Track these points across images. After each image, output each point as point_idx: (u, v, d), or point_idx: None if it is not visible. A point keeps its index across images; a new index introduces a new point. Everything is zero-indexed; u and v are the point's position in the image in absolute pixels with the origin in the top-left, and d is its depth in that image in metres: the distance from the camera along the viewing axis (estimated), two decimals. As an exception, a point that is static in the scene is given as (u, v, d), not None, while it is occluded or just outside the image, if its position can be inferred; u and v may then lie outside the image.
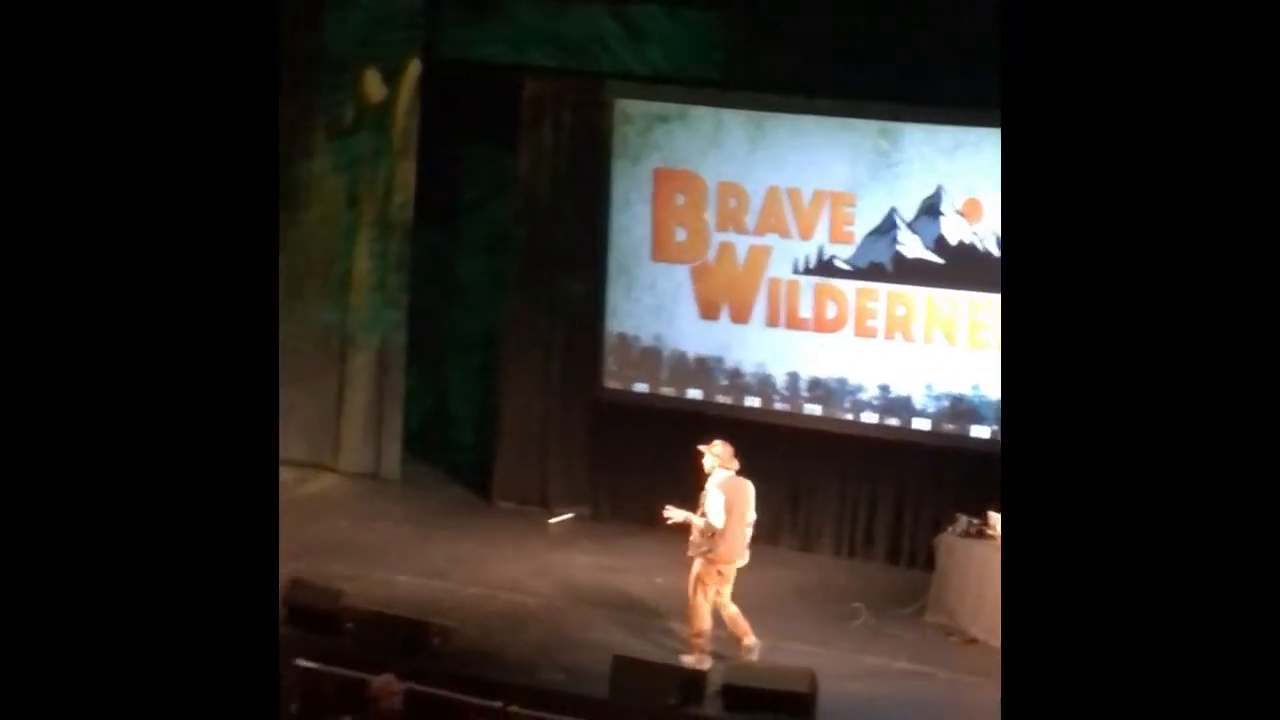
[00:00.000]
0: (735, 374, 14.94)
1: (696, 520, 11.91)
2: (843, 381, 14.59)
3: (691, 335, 15.05)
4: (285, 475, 15.96)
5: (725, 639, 12.10)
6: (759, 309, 14.81)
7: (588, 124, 15.28)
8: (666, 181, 15.03)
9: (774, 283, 14.75)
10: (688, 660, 11.93)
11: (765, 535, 14.90)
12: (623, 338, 15.25)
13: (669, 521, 12.08)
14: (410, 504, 15.70)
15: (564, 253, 15.46)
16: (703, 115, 14.89)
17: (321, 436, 16.36)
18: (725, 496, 11.92)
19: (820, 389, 14.70)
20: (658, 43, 14.99)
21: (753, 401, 14.91)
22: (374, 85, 15.97)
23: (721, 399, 14.98)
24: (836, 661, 12.04)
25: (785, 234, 14.69)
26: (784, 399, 14.81)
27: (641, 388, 15.25)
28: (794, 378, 14.78)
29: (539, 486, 15.52)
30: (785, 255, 14.69)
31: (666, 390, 15.17)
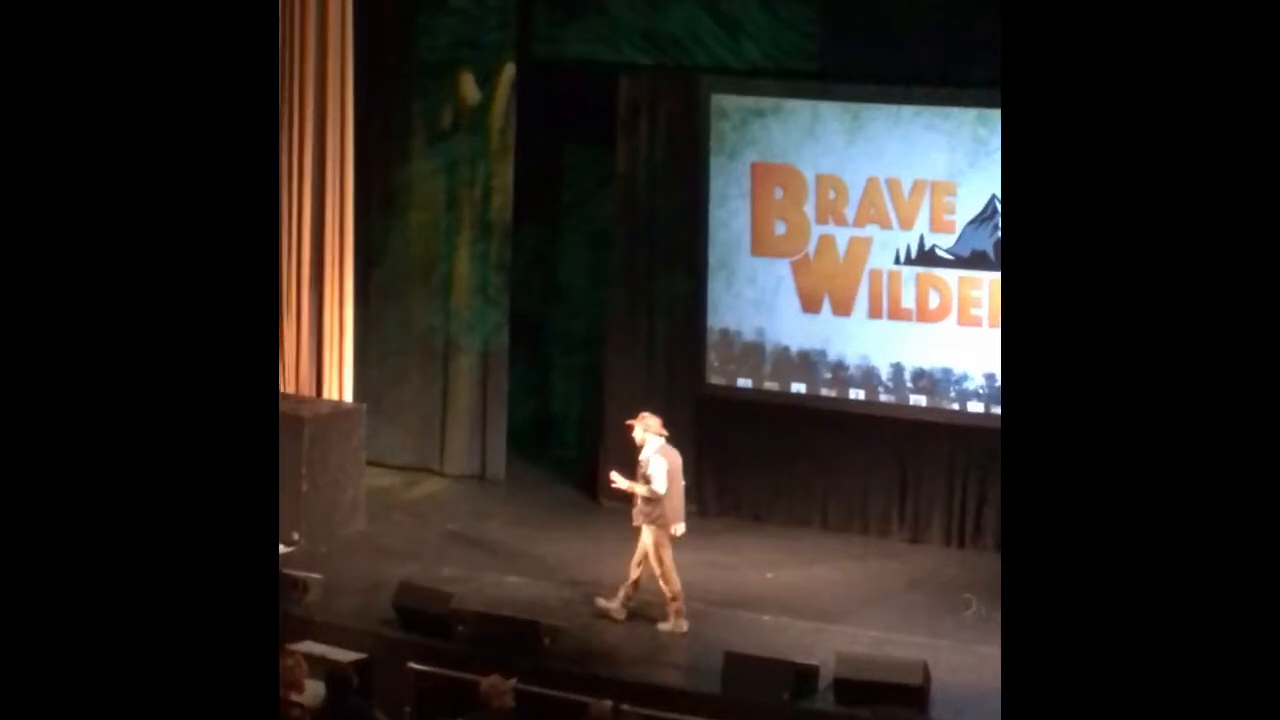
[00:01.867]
0: (839, 367, 14.86)
1: (640, 489, 12.33)
2: (948, 371, 14.48)
3: (794, 329, 14.98)
4: (392, 480, 16.12)
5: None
6: (861, 301, 14.73)
7: (684, 120, 15.25)
8: (764, 176, 14.98)
9: (875, 274, 14.66)
10: (664, 627, 12.40)
11: (875, 527, 14.90)
12: (725, 333, 15.21)
13: (614, 487, 12.63)
14: (517, 505, 15.73)
15: (664, 250, 15.44)
16: (799, 108, 14.82)
17: (427, 440, 16.43)
18: (667, 463, 12.36)
19: (925, 379, 14.59)
20: (752, 36, 14.93)
21: (857, 394, 14.83)
22: (470, 88, 16.01)
23: (826, 392, 14.91)
24: (949, 653, 11.95)
25: (886, 225, 14.60)
26: (889, 390, 14.72)
27: (745, 383, 15.21)
28: (898, 369, 14.69)
29: (645, 484, 15.48)
30: (886, 246, 14.61)
31: (770, 385, 15.11)
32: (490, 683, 9.98)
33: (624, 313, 15.68)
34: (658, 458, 12.39)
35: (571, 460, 16.52)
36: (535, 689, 10.83)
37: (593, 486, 15.79)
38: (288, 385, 15.57)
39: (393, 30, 16.05)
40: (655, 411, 15.41)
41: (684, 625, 12.40)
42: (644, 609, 12.81)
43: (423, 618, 12.25)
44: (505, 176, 15.95)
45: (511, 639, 11.90)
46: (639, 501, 12.40)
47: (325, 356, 15.58)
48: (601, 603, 12.68)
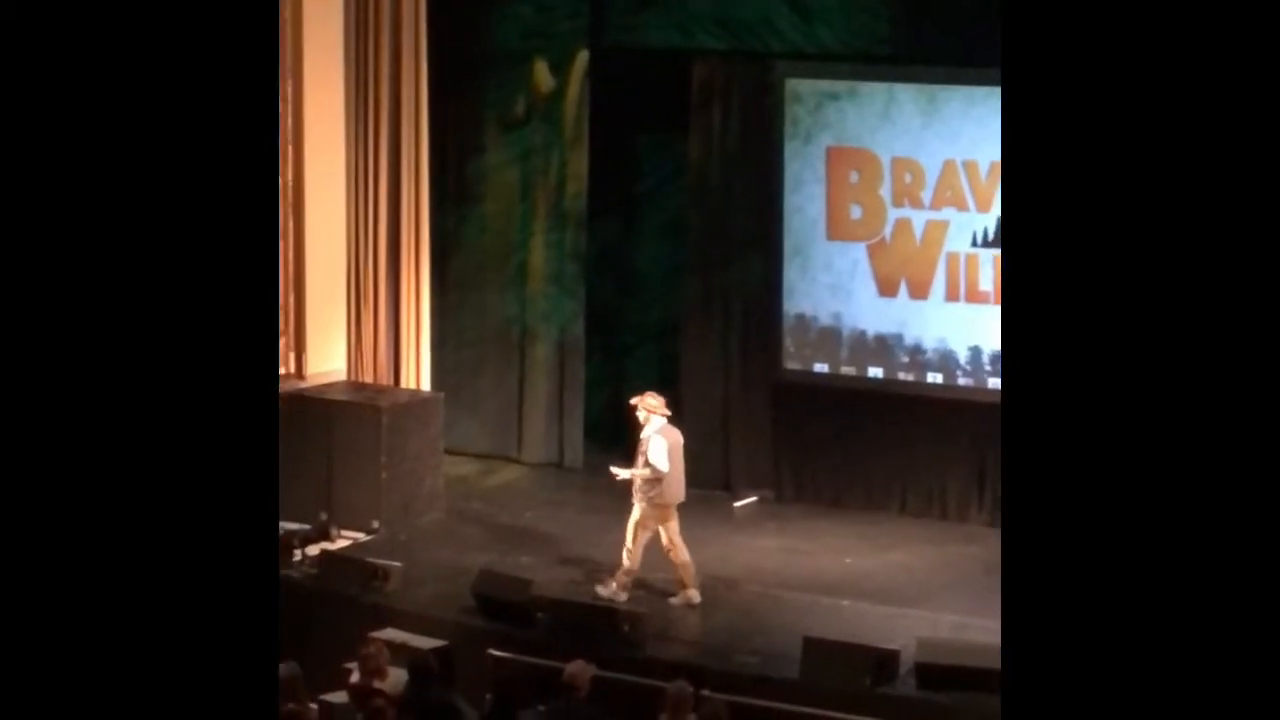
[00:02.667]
0: (916, 350, 14.80)
1: (642, 472, 12.48)
2: (1026, 354, 14.39)
3: (870, 313, 14.93)
4: (471, 468, 16.18)
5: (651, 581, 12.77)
6: (938, 284, 14.66)
7: (758, 105, 15.22)
8: (839, 159, 14.93)
9: (952, 257, 14.59)
10: (602, 591, 12.58)
11: (954, 512, 14.83)
12: (801, 318, 15.18)
13: (618, 479, 12.71)
14: (594, 492, 15.70)
15: (738, 236, 15.43)
16: (874, 91, 14.77)
17: (505, 429, 16.47)
18: (667, 442, 12.47)
19: (1003, 362, 14.51)
20: (825, 20, 14.89)
21: (935, 378, 14.76)
22: (543, 76, 16.04)
23: (903, 376, 14.85)
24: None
25: (962, 207, 14.53)
26: (967, 374, 14.64)
27: (821, 368, 15.17)
28: (976, 352, 14.61)
29: (722, 471, 15.49)
30: (963, 228, 14.53)
31: (847, 369, 15.07)
32: (576, 667, 10.02)
33: (699, 299, 15.68)
34: (657, 437, 12.51)
35: (649, 448, 16.51)
36: (615, 675, 10.85)
37: (670, 473, 15.81)
38: (365, 375, 15.68)
39: (466, 20, 16.09)
40: (732, 397, 15.52)
41: (623, 596, 12.53)
42: (721, 599, 12.82)
43: (502, 605, 12.29)
44: (579, 165, 15.97)
45: (591, 626, 11.92)
46: (638, 481, 12.55)
47: (403, 346, 15.68)
48: (677, 599, 12.64)
